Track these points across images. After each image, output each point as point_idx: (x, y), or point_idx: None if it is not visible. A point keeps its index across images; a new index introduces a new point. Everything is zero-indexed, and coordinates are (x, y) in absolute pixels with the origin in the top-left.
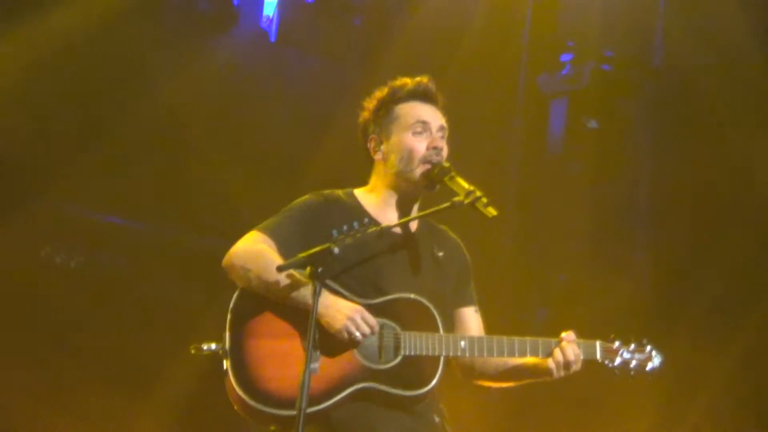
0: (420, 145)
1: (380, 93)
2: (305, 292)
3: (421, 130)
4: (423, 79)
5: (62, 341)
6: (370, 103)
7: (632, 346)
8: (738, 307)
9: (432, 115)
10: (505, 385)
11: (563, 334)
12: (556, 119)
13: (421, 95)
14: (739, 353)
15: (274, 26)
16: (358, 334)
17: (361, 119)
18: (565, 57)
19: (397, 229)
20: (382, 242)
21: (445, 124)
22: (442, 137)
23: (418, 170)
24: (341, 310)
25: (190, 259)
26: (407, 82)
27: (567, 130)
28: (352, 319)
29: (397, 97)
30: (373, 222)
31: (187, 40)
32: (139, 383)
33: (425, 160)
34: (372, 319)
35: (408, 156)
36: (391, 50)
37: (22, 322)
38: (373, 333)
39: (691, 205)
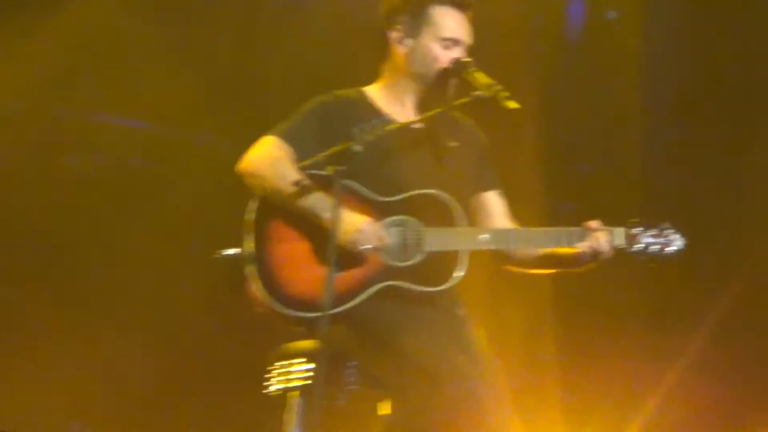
0: (446, 58)
1: None
2: (317, 202)
3: (451, 45)
4: None
5: (82, 249)
6: None
7: (653, 230)
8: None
9: (465, 33)
10: (535, 271)
11: (589, 223)
12: (576, 9)
13: (459, 3)
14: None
15: None
16: (367, 245)
17: (388, 2)
18: None
19: (414, 125)
20: (399, 140)
21: (472, 41)
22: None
23: (436, 79)
24: (351, 223)
25: (210, 165)
26: None
27: (588, 20)
28: (360, 231)
29: None
30: (390, 119)
31: None
32: (159, 289)
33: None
34: (381, 230)
35: (431, 64)
36: None
37: (42, 232)
38: (380, 244)
39: (722, 97)
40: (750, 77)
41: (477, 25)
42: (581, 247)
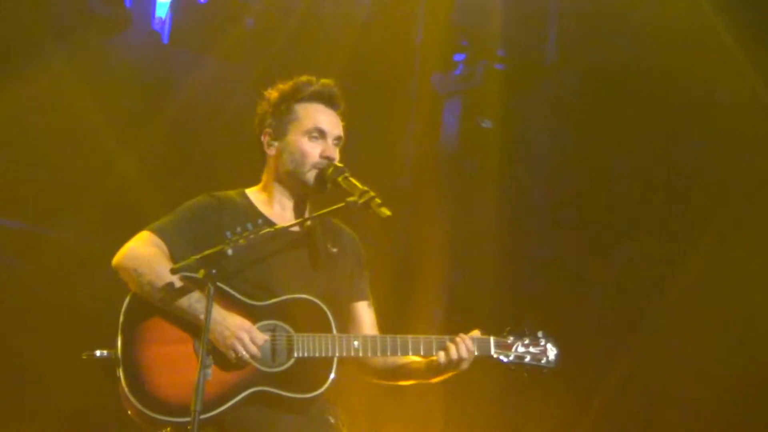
0: (314, 151)
1: (283, 86)
2: (195, 303)
3: (318, 137)
4: (328, 83)
5: None
6: (272, 95)
7: (527, 340)
8: (634, 304)
9: (331, 124)
10: (398, 383)
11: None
12: (450, 119)
13: (325, 99)
14: (637, 347)
15: (166, 28)
16: (244, 353)
17: (259, 109)
18: (459, 56)
19: (291, 229)
20: (275, 243)
21: (341, 134)
22: (336, 146)
23: (309, 174)
24: (229, 328)
25: (81, 261)
26: (312, 82)
27: (461, 129)
28: (239, 338)
29: (299, 96)
30: (267, 222)
31: (80, 40)
32: (31, 389)
33: (316, 167)
34: (260, 338)
35: (300, 159)
36: (285, 50)
37: None
38: (259, 353)
39: (588, 202)
40: (617, 191)
41: (350, 129)
42: (438, 356)
